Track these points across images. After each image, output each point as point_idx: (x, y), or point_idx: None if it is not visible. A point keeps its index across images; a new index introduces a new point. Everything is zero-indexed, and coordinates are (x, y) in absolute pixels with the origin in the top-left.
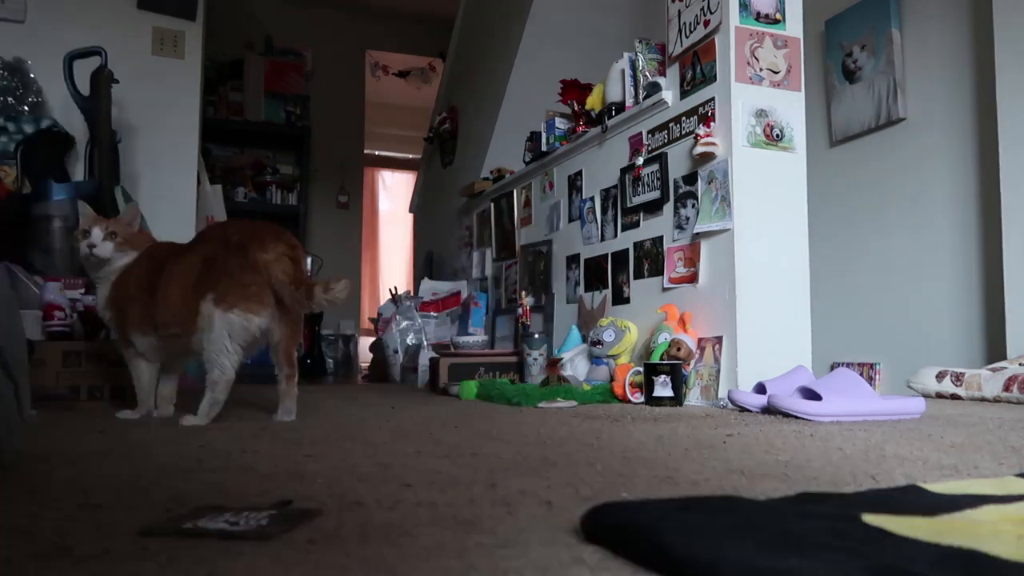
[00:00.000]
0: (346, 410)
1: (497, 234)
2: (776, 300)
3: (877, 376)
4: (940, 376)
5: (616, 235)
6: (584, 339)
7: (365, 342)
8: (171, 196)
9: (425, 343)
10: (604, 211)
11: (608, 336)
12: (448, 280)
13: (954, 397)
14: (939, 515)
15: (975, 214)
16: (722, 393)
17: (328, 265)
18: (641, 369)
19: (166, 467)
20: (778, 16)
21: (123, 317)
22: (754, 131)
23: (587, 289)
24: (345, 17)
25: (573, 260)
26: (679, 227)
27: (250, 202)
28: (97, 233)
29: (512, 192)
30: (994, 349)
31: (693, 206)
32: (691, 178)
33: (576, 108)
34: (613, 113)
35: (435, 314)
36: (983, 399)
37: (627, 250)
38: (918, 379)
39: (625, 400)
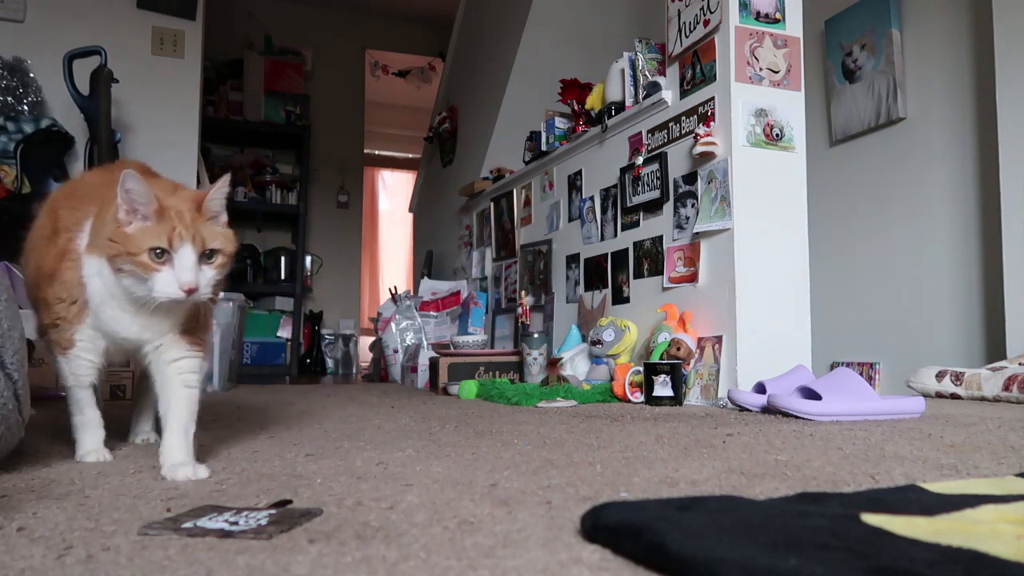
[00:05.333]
0: (346, 410)
1: (497, 234)
2: (776, 300)
3: (877, 376)
4: (940, 376)
5: (616, 235)
6: (584, 339)
7: (365, 342)
8: None
9: (425, 343)
10: (604, 211)
11: (608, 336)
12: (448, 280)
13: (954, 397)
14: (939, 515)
15: (975, 213)
16: (722, 393)
17: (328, 265)
18: (641, 369)
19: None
20: (778, 16)
21: None
22: (754, 131)
23: (587, 289)
24: (344, 16)
25: (573, 260)
26: (679, 227)
27: (250, 201)
28: None
29: (512, 192)
30: (994, 349)
31: (693, 206)
32: (691, 178)
33: (576, 108)
34: (613, 113)
35: (435, 314)
36: (983, 399)
37: (627, 250)
38: (918, 379)
39: (625, 400)
